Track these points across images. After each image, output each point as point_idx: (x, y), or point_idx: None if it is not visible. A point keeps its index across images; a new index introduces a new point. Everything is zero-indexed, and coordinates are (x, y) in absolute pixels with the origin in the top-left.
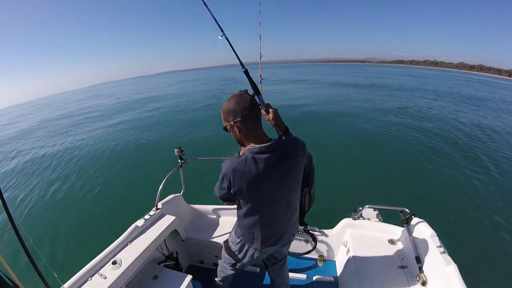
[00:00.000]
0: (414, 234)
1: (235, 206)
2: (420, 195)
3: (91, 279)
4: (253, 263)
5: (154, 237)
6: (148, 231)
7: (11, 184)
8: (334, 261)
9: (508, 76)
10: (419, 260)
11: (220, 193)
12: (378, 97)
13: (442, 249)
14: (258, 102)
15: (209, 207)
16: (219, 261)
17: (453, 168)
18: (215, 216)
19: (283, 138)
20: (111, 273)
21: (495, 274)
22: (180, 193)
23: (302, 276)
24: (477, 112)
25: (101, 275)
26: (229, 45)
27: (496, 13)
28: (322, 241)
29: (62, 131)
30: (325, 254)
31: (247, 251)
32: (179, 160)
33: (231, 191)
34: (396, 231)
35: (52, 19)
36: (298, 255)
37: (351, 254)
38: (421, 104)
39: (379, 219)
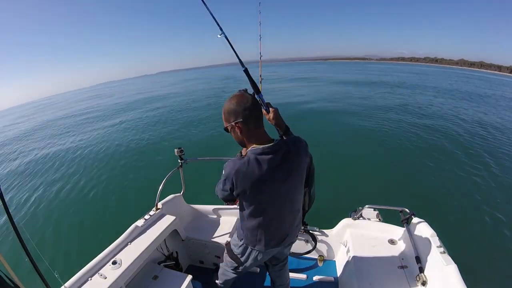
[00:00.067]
0: (414, 234)
1: (235, 206)
2: (420, 195)
3: (91, 279)
4: (256, 265)
5: (154, 237)
6: (148, 231)
7: (11, 184)
8: (334, 261)
9: (509, 73)
10: (419, 260)
11: (223, 194)
12: (378, 95)
13: (442, 249)
14: (259, 101)
15: (209, 207)
16: (220, 264)
17: (454, 167)
18: (215, 216)
19: (285, 138)
20: (111, 273)
21: (495, 274)
22: (180, 193)
23: (302, 276)
24: (477, 109)
25: (101, 275)
26: (228, 44)
27: (497, 10)
28: (322, 241)
29: (63, 132)
30: (325, 254)
31: (250, 254)
32: (179, 160)
33: (234, 192)
34: (396, 231)
35: (51, 20)
36: (298, 255)
37: (351, 254)
38: (421, 101)
39: (379, 219)
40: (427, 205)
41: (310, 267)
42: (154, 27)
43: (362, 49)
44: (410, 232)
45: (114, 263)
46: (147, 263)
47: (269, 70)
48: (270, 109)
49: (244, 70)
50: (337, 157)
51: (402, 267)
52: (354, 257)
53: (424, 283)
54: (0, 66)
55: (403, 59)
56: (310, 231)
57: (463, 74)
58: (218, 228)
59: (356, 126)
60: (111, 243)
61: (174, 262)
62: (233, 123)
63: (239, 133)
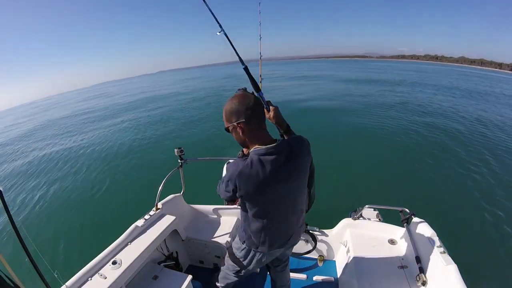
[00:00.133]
0: (414, 234)
1: (235, 206)
2: (420, 195)
3: (91, 279)
4: (259, 267)
5: (154, 237)
6: (148, 231)
7: (11, 184)
8: (334, 261)
9: (509, 70)
10: (419, 260)
11: (225, 195)
12: (378, 93)
13: (442, 249)
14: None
15: (209, 207)
16: (221, 267)
17: (454, 165)
18: (215, 216)
19: (286, 137)
20: (111, 273)
21: (495, 274)
22: (180, 193)
23: (302, 276)
24: (477, 106)
25: (101, 275)
26: (228, 41)
27: (498, 7)
28: (322, 241)
29: (63, 132)
30: (325, 254)
31: (253, 256)
32: (179, 160)
33: (237, 194)
34: (396, 231)
35: (51, 19)
36: (298, 255)
37: (351, 254)
38: (421, 99)
39: (379, 219)
40: (427, 205)
41: (310, 267)
42: (154, 25)
43: (362, 47)
44: (410, 232)
45: (114, 263)
46: (147, 263)
47: (269, 69)
48: (270, 107)
49: (244, 68)
50: (337, 157)
51: (402, 267)
52: (354, 257)
53: (424, 283)
54: (0, 66)
55: (403, 56)
56: (310, 231)
57: (463, 71)
58: (218, 228)
59: (356, 125)
60: (111, 243)
61: (174, 262)
62: (235, 123)
63: (241, 134)
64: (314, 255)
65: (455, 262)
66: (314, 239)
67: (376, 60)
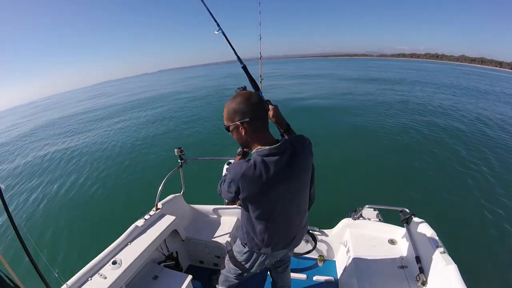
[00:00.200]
0: (414, 234)
1: (235, 206)
2: (420, 194)
3: (91, 279)
4: (261, 268)
5: (154, 237)
6: (148, 231)
7: (11, 184)
8: (334, 261)
9: (510, 69)
10: (419, 260)
11: (227, 195)
12: (378, 91)
13: (442, 249)
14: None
15: (209, 207)
16: (222, 270)
17: (454, 166)
18: (215, 216)
19: (287, 136)
20: (111, 273)
21: (495, 274)
22: (180, 193)
23: (302, 276)
24: (477, 105)
25: (101, 275)
26: (226, 40)
27: (499, 5)
28: (322, 241)
29: (64, 132)
30: (325, 254)
31: (256, 259)
32: (179, 160)
33: (239, 196)
34: (396, 231)
35: (51, 20)
36: (298, 255)
37: (351, 254)
38: (421, 97)
39: (379, 219)
40: (427, 205)
41: (310, 267)
42: (154, 25)
43: (362, 45)
44: (410, 232)
45: (114, 263)
46: (147, 263)
47: (269, 67)
48: (270, 106)
49: (242, 67)
50: (337, 157)
51: (402, 267)
52: (354, 257)
53: (424, 283)
54: (0, 66)
55: (403, 55)
56: (310, 231)
57: (463, 70)
58: (218, 228)
59: (355, 124)
60: (111, 243)
61: (174, 262)
62: (237, 123)
63: (243, 133)
64: (314, 255)
65: (455, 262)
66: (314, 239)
67: (376, 58)
